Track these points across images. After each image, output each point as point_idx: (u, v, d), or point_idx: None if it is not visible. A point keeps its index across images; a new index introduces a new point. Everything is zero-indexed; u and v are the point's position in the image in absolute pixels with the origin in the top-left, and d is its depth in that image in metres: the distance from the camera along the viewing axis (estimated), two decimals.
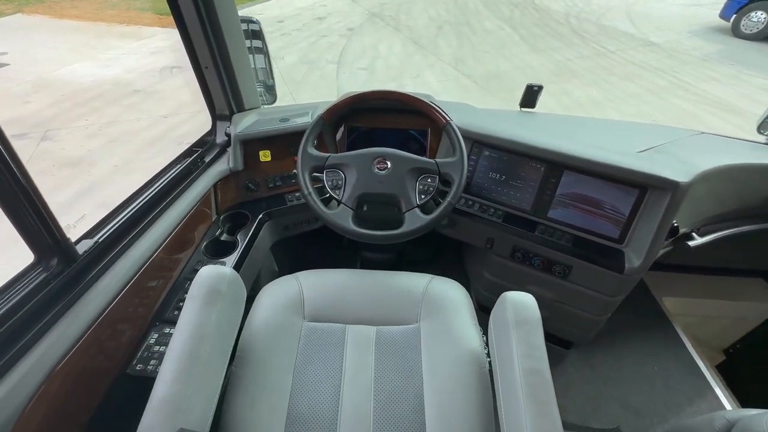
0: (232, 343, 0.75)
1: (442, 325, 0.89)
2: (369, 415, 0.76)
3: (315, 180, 0.93)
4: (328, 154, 0.94)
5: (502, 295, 0.80)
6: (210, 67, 1.07)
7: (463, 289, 1.01)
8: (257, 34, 1.27)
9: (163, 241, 0.91)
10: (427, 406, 0.77)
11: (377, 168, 0.92)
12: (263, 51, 1.28)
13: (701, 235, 1.07)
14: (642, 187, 0.91)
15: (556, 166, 1.00)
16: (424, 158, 0.94)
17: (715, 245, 1.12)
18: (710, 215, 1.11)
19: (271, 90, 1.32)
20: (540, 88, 1.33)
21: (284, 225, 1.23)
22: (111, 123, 4.42)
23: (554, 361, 1.34)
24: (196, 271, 1.01)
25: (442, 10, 8.94)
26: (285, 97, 4.83)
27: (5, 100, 4.74)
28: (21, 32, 7.30)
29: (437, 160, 0.93)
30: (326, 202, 0.93)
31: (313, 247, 1.44)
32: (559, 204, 1.02)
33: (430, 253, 1.59)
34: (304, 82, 5.42)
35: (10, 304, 0.62)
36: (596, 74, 5.71)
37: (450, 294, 0.97)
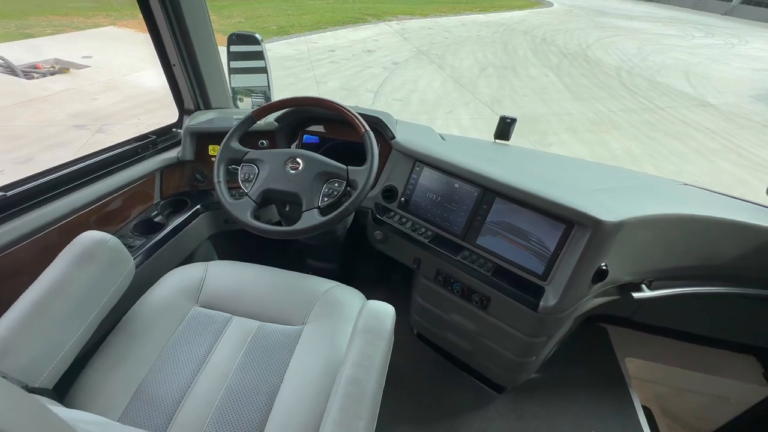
0: (99, 308, 0.76)
1: (325, 332, 0.86)
2: (212, 406, 0.73)
3: (233, 173, 0.94)
4: (248, 150, 0.96)
5: (365, 302, 0.76)
6: (178, 64, 1.14)
7: (362, 297, 0.98)
8: (258, 55, 1.35)
9: (84, 209, 0.94)
10: (275, 408, 0.73)
11: (289, 167, 0.92)
12: (265, 70, 1.35)
13: (652, 289, 0.95)
14: (569, 222, 0.83)
15: (488, 192, 0.95)
16: (335, 163, 0.93)
17: (685, 307, 0.98)
18: (663, 268, 0.98)
19: None
20: (513, 120, 1.28)
21: (224, 218, 1.24)
22: (158, 123, 4.84)
23: (480, 403, 1.22)
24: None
25: (490, 54, 9.12)
26: None
27: (78, 95, 5.36)
28: (108, 41, 8.35)
29: (348, 167, 0.91)
30: (240, 196, 0.94)
31: (261, 246, 1.45)
32: (489, 231, 0.95)
33: (378, 271, 1.53)
34: None
35: None
36: (639, 129, 5.47)
37: (346, 301, 0.94)
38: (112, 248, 0.79)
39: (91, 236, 0.77)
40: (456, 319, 1.10)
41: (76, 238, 0.76)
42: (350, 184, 0.90)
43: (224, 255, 1.38)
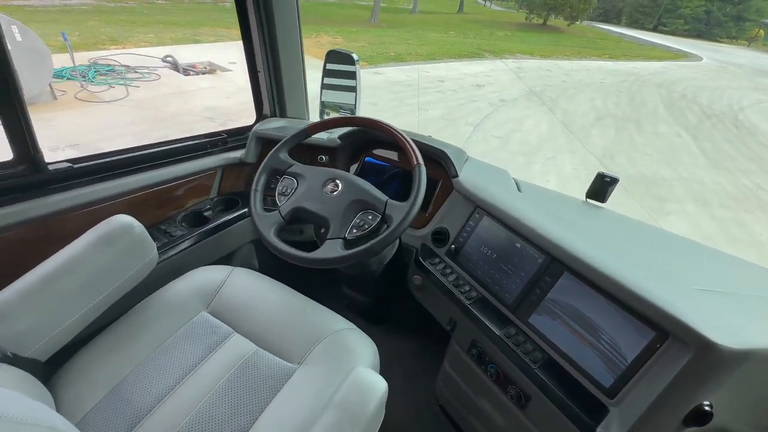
0: (108, 292, 0.76)
1: (318, 380, 0.75)
2: (183, 419, 0.68)
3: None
4: (293, 162, 0.92)
5: (354, 369, 0.64)
6: (263, 72, 1.20)
7: (373, 350, 0.86)
8: (351, 75, 1.37)
9: (143, 191, 0.99)
10: None
11: (328, 188, 0.85)
12: (355, 89, 1.37)
13: None
14: (662, 331, 0.60)
15: (556, 263, 0.76)
16: (376, 193, 0.83)
17: None
18: None
19: None
20: (614, 180, 1.06)
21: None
22: None
23: None
24: (163, 230, 1.09)
25: (611, 103, 8.32)
26: None
27: (216, 93, 6.27)
28: None
29: (389, 200, 0.81)
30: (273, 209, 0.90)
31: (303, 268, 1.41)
32: (547, 311, 0.75)
33: (414, 319, 1.37)
34: (435, 134, 5.65)
35: None
36: None
37: (353, 350, 0.82)
38: (135, 236, 0.79)
39: (117, 220, 0.79)
40: (484, 406, 0.90)
41: (105, 220, 0.78)
42: (385, 219, 0.80)
43: (264, 261, 1.38)
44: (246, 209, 1.21)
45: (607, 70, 12.35)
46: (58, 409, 0.67)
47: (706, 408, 0.56)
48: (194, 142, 1.16)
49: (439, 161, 1.03)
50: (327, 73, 1.38)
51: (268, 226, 0.82)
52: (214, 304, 0.91)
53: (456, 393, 1.00)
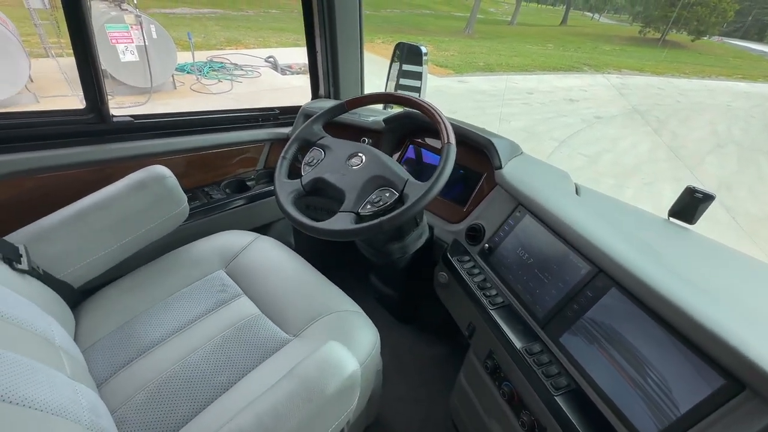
0: (138, 234, 0.83)
1: (308, 354, 0.71)
2: (171, 365, 0.70)
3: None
4: (325, 135, 0.90)
5: (327, 343, 0.61)
6: (320, 52, 1.23)
7: (373, 338, 0.80)
8: (419, 60, 1.36)
9: (195, 152, 1.07)
10: (210, 408, 0.65)
11: (352, 161, 0.82)
12: (420, 77, 1.36)
13: None
14: (735, 380, 0.45)
15: (602, 276, 0.62)
16: (397, 169, 0.76)
17: None
18: None
19: None
20: (709, 197, 0.86)
21: (306, 203, 1.24)
22: None
23: None
24: (205, 192, 1.16)
25: (738, 130, 7.08)
26: None
27: (305, 91, 6.73)
28: None
29: (410, 178, 0.74)
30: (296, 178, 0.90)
31: (337, 248, 1.38)
32: (582, 331, 0.61)
33: (442, 319, 1.25)
34: None
35: (50, 122, 0.90)
36: None
37: (352, 333, 0.78)
38: (167, 186, 0.85)
39: (153, 169, 0.85)
40: (494, 429, 0.78)
41: (144, 168, 0.86)
42: (402, 197, 0.74)
43: (300, 239, 1.40)
44: None
45: (736, 92, 10.59)
46: (76, 333, 0.75)
47: None
48: (248, 114, 1.23)
49: (485, 152, 0.94)
50: (395, 65, 1.38)
51: (286, 192, 0.82)
52: (232, 266, 0.94)
53: (467, 408, 0.89)
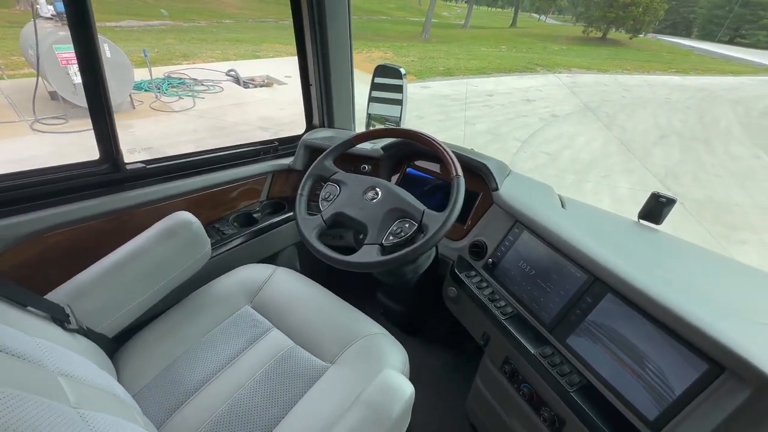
0: (168, 280, 0.85)
1: (348, 379, 0.78)
2: (214, 412, 0.73)
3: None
4: (337, 170, 0.96)
5: (383, 371, 0.65)
6: (314, 85, 1.27)
7: (403, 356, 0.86)
8: (398, 88, 1.43)
9: (202, 191, 1.09)
10: None
11: (368, 195, 0.88)
12: (401, 103, 1.43)
13: None
14: (716, 365, 0.55)
15: (598, 283, 0.72)
16: (413, 202, 0.84)
17: None
18: None
19: None
20: (671, 201, 0.99)
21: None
22: None
23: None
24: (216, 228, 1.18)
25: (677, 121, 7.74)
26: None
27: (272, 104, 6.66)
28: None
29: (426, 209, 0.82)
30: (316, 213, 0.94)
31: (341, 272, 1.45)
32: (586, 333, 0.71)
33: (449, 332, 1.34)
34: (481, 149, 5.57)
35: (67, 177, 0.90)
36: None
37: (383, 354, 0.83)
38: (194, 231, 0.88)
39: (179, 216, 0.88)
40: (516, 427, 0.86)
41: (169, 216, 0.88)
42: (421, 228, 0.81)
43: (305, 263, 1.44)
44: (291, 213, 1.28)
45: (673, 86, 11.54)
46: (120, 381, 0.75)
47: None
48: (249, 148, 1.26)
49: (479, 174, 1.03)
50: (375, 86, 1.44)
51: (310, 229, 0.87)
52: (257, 300, 0.97)
53: (487, 411, 0.97)
